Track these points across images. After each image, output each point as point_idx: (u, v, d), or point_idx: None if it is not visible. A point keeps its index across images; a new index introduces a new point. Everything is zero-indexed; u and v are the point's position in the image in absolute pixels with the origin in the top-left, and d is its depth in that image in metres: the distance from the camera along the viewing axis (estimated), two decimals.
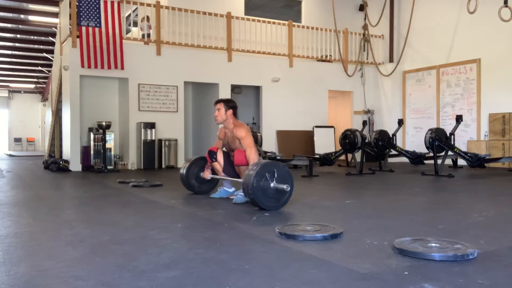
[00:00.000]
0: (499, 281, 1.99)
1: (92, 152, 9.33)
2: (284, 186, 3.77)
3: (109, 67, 8.95)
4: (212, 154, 4.65)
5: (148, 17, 9.81)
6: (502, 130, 9.10)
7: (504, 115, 9.08)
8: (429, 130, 7.75)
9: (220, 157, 4.63)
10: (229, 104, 4.53)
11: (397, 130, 9.00)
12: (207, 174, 4.79)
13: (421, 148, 8.70)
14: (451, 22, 10.30)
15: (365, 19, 11.80)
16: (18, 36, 16.78)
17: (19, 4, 13.34)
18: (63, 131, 10.08)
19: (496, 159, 7.87)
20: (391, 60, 11.80)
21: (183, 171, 4.97)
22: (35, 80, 24.59)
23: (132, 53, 9.28)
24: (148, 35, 9.79)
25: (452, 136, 7.90)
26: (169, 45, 9.67)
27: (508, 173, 7.69)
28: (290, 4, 12.38)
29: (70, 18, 9.25)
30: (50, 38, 15.81)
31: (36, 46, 17.44)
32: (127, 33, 11.01)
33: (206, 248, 2.58)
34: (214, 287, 1.91)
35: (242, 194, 4.37)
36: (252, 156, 4.28)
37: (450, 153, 7.80)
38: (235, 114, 4.54)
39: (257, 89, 11.11)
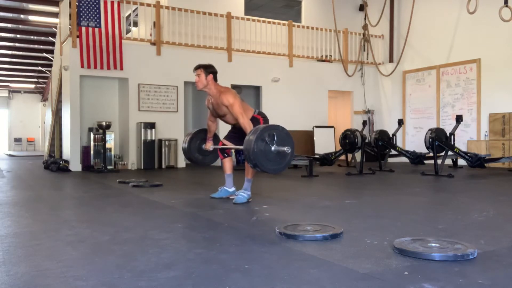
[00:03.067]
0: (499, 281, 1.99)
1: (92, 152, 9.32)
2: (285, 148, 3.78)
3: (109, 68, 8.95)
4: (224, 150, 4.65)
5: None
6: (502, 130, 9.10)
7: (504, 115, 9.08)
8: (429, 130, 7.75)
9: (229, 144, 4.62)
10: (208, 69, 4.49)
11: (397, 130, 9.00)
12: (209, 145, 4.77)
13: (421, 148, 8.70)
14: (451, 22, 10.30)
15: (365, 19, 11.80)
16: (18, 36, 16.79)
17: (19, 4, 13.34)
18: (63, 131, 10.07)
19: (496, 159, 7.87)
20: (391, 60, 11.80)
21: (185, 145, 4.90)
22: (35, 80, 24.60)
23: (132, 53, 9.27)
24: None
25: (452, 136, 7.90)
26: (169, 45, 9.66)
27: (508, 173, 7.69)
28: (290, 4, 12.38)
29: (70, 18, 9.25)
30: (50, 38, 15.81)
31: (36, 46, 17.44)
32: (127, 33, 11.00)
33: (206, 248, 2.58)
34: (214, 287, 1.91)
35: (243, 194, 4.37)
36: (246, 124, 4.23)
37: (450, 153, 7.79)
38: (215, 79, 4.50)
39: (257, 89, 11.11)
